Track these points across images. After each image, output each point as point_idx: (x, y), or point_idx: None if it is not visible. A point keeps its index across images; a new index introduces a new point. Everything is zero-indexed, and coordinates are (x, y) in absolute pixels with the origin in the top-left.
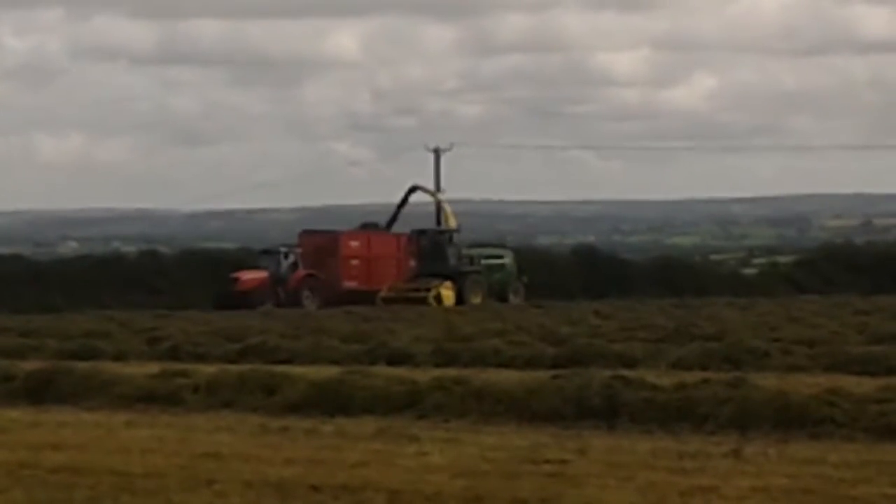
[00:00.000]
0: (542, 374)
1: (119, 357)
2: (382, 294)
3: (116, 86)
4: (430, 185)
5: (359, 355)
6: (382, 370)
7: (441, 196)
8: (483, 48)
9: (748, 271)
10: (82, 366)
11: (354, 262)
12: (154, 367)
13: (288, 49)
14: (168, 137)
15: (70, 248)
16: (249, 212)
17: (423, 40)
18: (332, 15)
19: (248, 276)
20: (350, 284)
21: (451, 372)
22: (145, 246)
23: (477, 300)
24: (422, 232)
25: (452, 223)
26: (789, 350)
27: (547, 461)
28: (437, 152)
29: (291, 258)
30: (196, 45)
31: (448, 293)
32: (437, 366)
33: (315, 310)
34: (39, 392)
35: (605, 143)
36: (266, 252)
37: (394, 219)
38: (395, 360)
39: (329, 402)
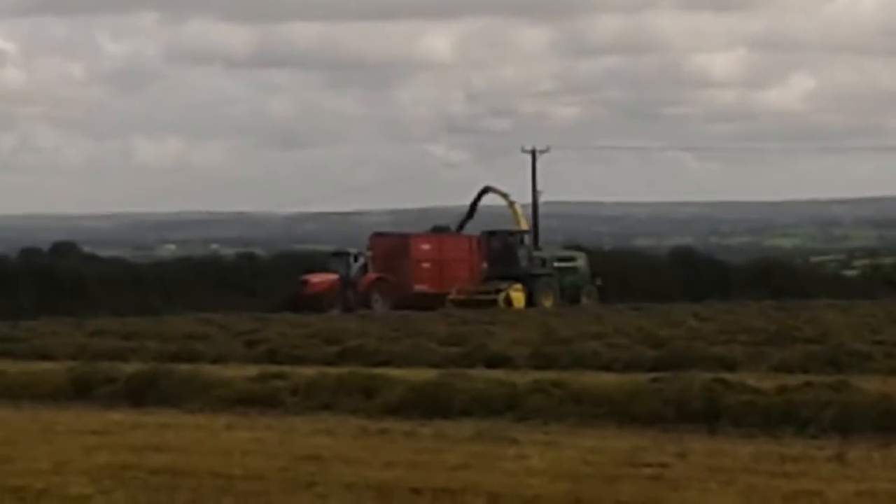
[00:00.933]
0: (642, 377)
1: (218, 359)
2: (451, 296)
3: (212, 89)
4: (528, 187)
5: (457, 358)
6: (481, 373)
7: (513, 197)
8: (578, 49)
9: (849, 273)
10: (183, 368)
11: (425, 264)
12: (253, 370)
13: (383, 51)
14: (264, 140)
15: (169, 250)
16: (345, 214)
17: (518, 42)
18: (426, 17)
19: (318, 278)
20: (421, 287)
21: (550, 375)
22: (243, 249)
23: (548, 303)
24: (492, 234)
25: (523, 225)
26: (892, 353)
27: (647, 465)
28: (533, 154)
29: (361, 261)
30: (291, 48)
31: (518, 295)
32: (536, 368)
33: (385, 313)
34: (141, 394)
35: (703, 144)
36: (336, 254)
37: (466, 220)
38: (493, 362)
39: (428, 405)
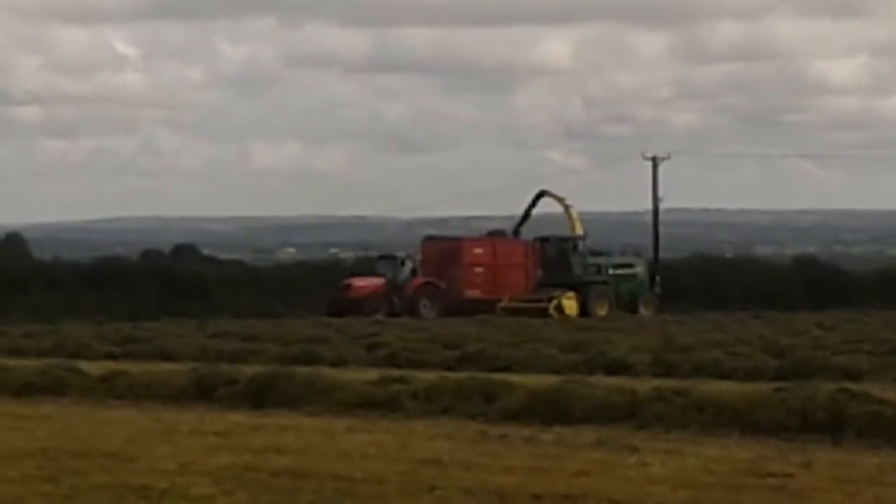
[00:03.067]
0: (765, 386)
1: (338, 363)
2: (502, 304)
3: (329, 93)
4: (648, 194)
5: (577, 364)
6: (601, 380)
7: (569, 201)
8: (695, 56)
9: None
10: (303, 371)
11: (478, 269)
12: (372, 374)
13: (498, 56)
14: (382, 145)
15: (288, 254)
16: (465, 219)
17: (634, 48)
18: (542, 22)
19: (361, 282)
20: (472, 293)
21: (671, 382)
22: (362, 253)
23: (602, 311)
24: (545, 239)
25: (579, 230)
26: None
27: (770, 474)
28: (654, 161)
29: (410, 264)
30: (408, 53)
31: (570, 303)
32: (656, 376)
33: (434, 319)
34: (261, 396)
35: (824, 151)
36: (383, 258)
37: (521, 224)
38: (613, 369)
39: (548, 411)
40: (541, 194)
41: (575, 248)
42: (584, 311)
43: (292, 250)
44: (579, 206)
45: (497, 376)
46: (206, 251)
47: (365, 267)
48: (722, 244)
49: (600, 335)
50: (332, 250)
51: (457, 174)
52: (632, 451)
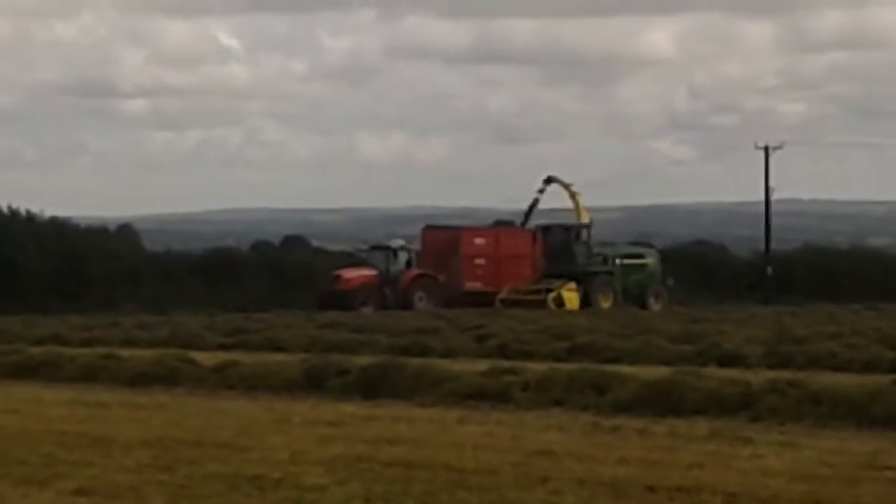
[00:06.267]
0: (881, 378)
1: (448, 354)
2: (501, 296)
3: (432, 85)
4: (759, 184)
5: (689, 356)
6: (714, 371)
7: (575, 188)
8: (801, 45)
9: None
10: (413, 362)
11: (479, 261)
12: (483, 365)
13: (601, 47)
14: (485, 136)
15: (397, 245)
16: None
17: (740, 37)
18: (644, 13)
19: (351, 274)
20: (473, 285)
21: (785, 374)
22: None
23: (606, 304)
24: (546, 228)
25: (584, 218)
26: None
27: (889, 468)
28: (766, 151)
29: (405, 256)
30: (509, 44)
31: (571, 295)
32: (770, 368)
33: (430, 311)
34: (373, 387)
35: None
36: (376, 248)
37: (529, 213)
38: (726, 361)
39: (660, 403)
40: (548, 180)
41: (578, 236)
42: (586, 302)
43: (401, 241)
44: (688, 196)
45: (608, 367)
46: (314, 242)
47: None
48: (834, 235)
49: (712, 327)
50: None
51: (562, 165)
52: (746, 444)
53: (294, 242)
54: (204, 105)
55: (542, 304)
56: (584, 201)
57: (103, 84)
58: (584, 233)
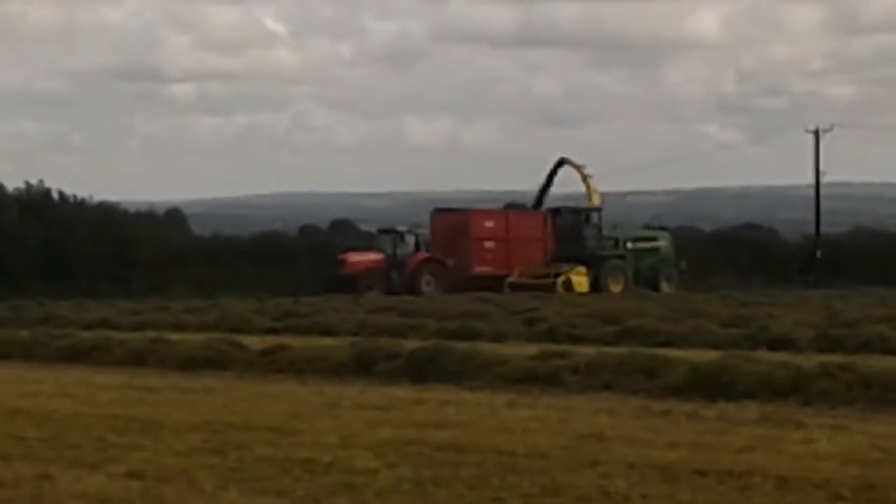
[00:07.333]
0: None
1: (497, 338)
2: (510, 279)
3: (478, 68)
4: (808, 167)
5: (739, 339)
6: (764, 355)
7: (588, 171)
8: (850, 27)
9: None
10: (462, 346)
11: (489, 244)
12: (532, 348)
13: (648, 30)
14: (531, 119)
15: None
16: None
17: (787, 20)
18: None
19: (357, 257)
20: (482, 269)
21: (836, 358)
22: None
23: (616, 288)
24: (556, 211)
25: (595, 200)
26: None
27: None
28: (816, 134)
29: (412, 239)
30: (555, 28)
31: (580, 279)
32: (821, 351)
33: (438, 296)
34: (421, 371)
35: None
36: (383, 231)
37: (542, 195)
38: (776, 344)
39: (710, 386)
40: (560, 162)
41: (588, 219)
42: (596, 287)
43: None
44: (736, 180)
45: (658, 351)
46: (362, 226)
47: None
48: (885, 218)
49: (762, 310)
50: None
51: (610, 148)
52: (797, 428)
53: (341, 226)
54: (250, 89)
55: (551, 287)
56: (631, 185)
57: (150, 69)
58: (595, 216)
